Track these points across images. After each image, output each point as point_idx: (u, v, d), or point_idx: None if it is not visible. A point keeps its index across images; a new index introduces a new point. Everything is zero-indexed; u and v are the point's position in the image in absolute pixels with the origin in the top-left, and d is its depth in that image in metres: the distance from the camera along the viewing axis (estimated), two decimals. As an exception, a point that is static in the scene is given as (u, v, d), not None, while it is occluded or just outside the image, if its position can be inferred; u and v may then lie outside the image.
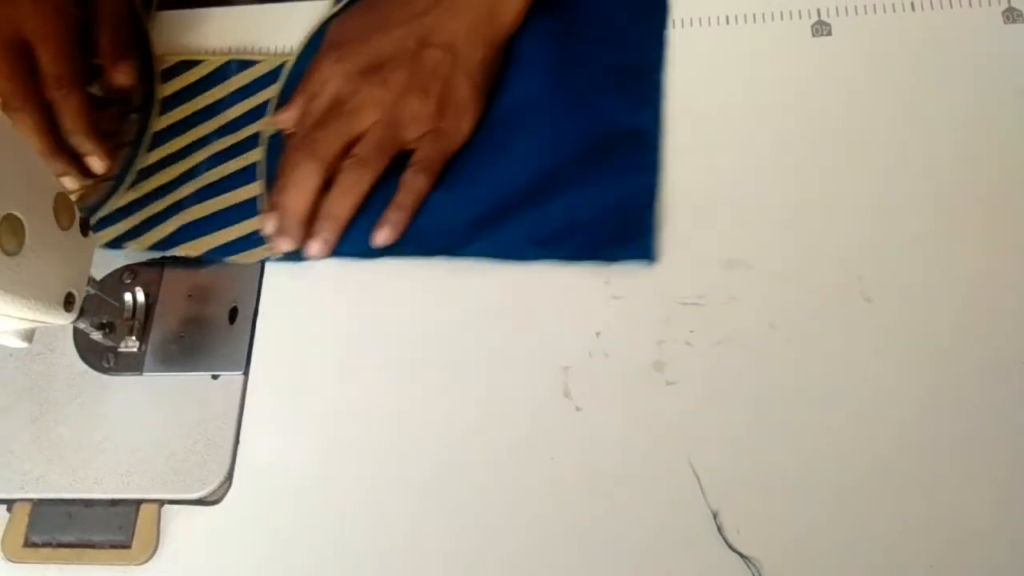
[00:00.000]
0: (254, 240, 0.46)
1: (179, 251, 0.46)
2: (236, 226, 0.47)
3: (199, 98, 0.51)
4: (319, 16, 0.52)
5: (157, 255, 0.47)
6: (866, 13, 0.48)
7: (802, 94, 0.46)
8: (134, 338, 0.45)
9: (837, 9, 0.48)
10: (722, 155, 0.45)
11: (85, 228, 0.39)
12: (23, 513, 0.42)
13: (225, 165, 0.49)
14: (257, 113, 0.50)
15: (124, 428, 0.43)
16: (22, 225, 0.33)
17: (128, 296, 0.45)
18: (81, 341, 0.45)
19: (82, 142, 0.46)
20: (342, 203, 0.44)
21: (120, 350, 0.45)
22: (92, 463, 0.43)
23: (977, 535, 0.36)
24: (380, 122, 0.44)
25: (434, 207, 0.45)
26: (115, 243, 0.47)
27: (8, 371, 0.45)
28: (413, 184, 0.44)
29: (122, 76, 0.48)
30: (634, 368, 0.41)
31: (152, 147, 0.50)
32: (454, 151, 0.45)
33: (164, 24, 0.55)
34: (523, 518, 0.39)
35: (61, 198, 0.36)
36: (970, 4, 0.47)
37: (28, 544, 0.42)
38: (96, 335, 0.43)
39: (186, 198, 0.48)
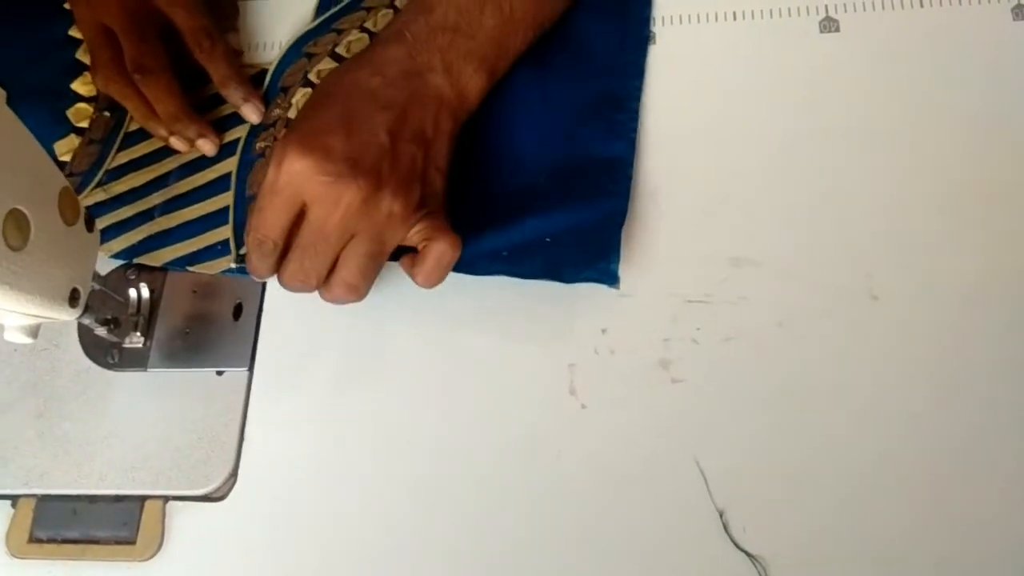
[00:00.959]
0: (217, 251, 0.46)
1: (142, 260, 0.46)
2: (201, 236, 0.46)
3: None
4: (301, 15, 0.52)
5: (119, 263, 0.47)
6: (874, 9, 0.47)
7: (810, 91, 0.46)
8: (139, 334, 0.45)
9: (845, 5, 0.48)
10: (730, 152, 0.45)
11: (90, 224, 0.38)
12: (27, 509, 0.42)
13: (197, 176, 0.48)
14: (234, 120, 0.49)
15: (129, 424, 0.43)
16: (27, 220, 0.33)
17: (132, 292, 0.45)
18: (86, 337, 0.45)
19: (183, 126, 0.48)
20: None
21: (125, 346, 0.45)
22: (97, 459, 0.43)
23: (984, 534, 0.36)
24: (363, 235, 0.40)
25: None
26: None
27: (13, 367, 0.45)
28: (337, 293, 0.40)
29: (250, 112, 0.49)
30: (640, 366, 0.41)
31: (123, 147, 0.50)
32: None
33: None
34: (528, 515, 0.39)
35: (66, 193, 0.36)
36: (979, 1, 0.46)
37: (33, 540, 0.42)
38: (101, 331, 0.42)
39: (155, 207, 0.48)
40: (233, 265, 0.45)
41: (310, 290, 0.41)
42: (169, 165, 0.49)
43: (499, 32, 0.44)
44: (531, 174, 0.45)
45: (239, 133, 0.49)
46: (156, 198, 0.48)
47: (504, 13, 0.44)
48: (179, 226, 0.47)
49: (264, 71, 0.51)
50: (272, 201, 0.39)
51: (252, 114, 0.49)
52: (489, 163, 0.46)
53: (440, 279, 0.41)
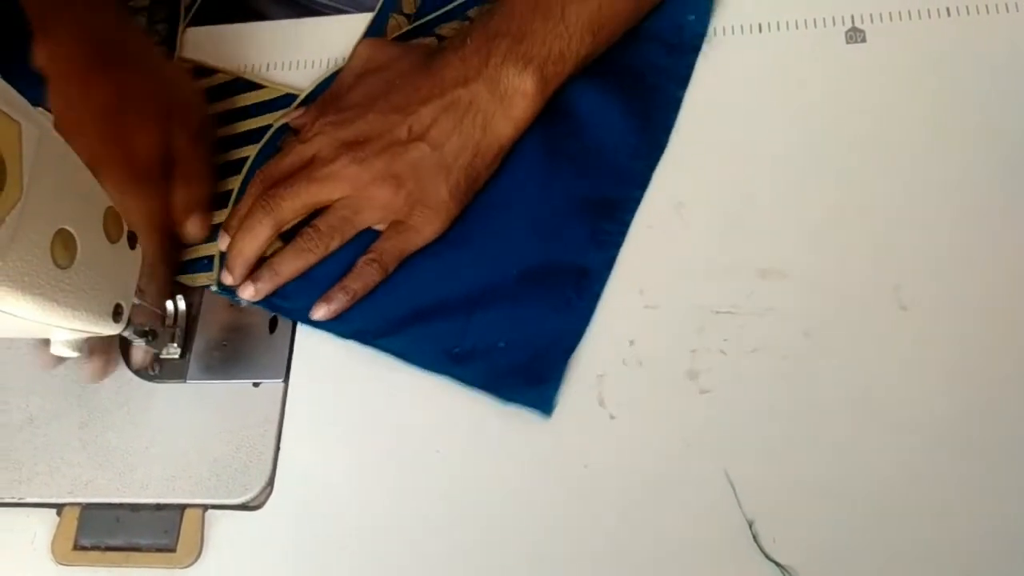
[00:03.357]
0: (203, 265, 0.47)
1: None
2: (191, 248, 0.48)
3: None
4: (347, 31, 0.53)
5: None
6: (900, 20, 0.47)
7: (836, 101, 0.46)
8: (176, 344, 0.46)
9: (871, 16, 0.48)
10: (757, 162, 0.45)
11: (133, 241, 0.40)
12: (72, 517, 0.43)
13: None
14: (247, 138, 0.50)
15: (169, 434, 0.44)
16: (74, 240, 0.34)
17: (169, 304, 0.46)
18: (128, 349, 0.46)
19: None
20: (289, 263, 0.44)
21: (162, 356, 0.46)
22: (138, 468, 0.44)
23: (1014, 546, 0.36)
24: (346, 200, 0.44)
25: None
26: None
27: (58, 379, 0.47)
28: (363, 273, 0.44)
29: (193, 230, 0.47)
30: (668, 377, 0.42)
31: None
32: (412, 251, 0.45)
33: (201, 40, 0.55)
34: (557, 527, 0.40)
35: (110, 212, 0.37)
36: (1007, 9, 0.46)
37: (77, 547, 0.43)
38: (139, 342, 0.44)
39: None
40: (214, 288, 0.46)
41: (270, 232, 0.44)
42: None
43: (549, 35, 0.44)
44: (504, 267, 0.44)
45: (247, 152, 0.50)
46: None
47: (555, 16, 0.44)
48: None
49: (283, 96, 0.51)
50: (308, 187, 0.44)
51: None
52: (461, 248, 0.45)
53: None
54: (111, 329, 0.38)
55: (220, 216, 0.48)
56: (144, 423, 0.45)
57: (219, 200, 0.49)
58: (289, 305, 0.45)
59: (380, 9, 0.52)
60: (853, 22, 0.48)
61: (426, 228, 0.44)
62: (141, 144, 0.46)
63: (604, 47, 0.46)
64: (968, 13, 0.47)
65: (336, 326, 0.44)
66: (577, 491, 0.40)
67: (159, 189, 0.46)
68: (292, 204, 0.44)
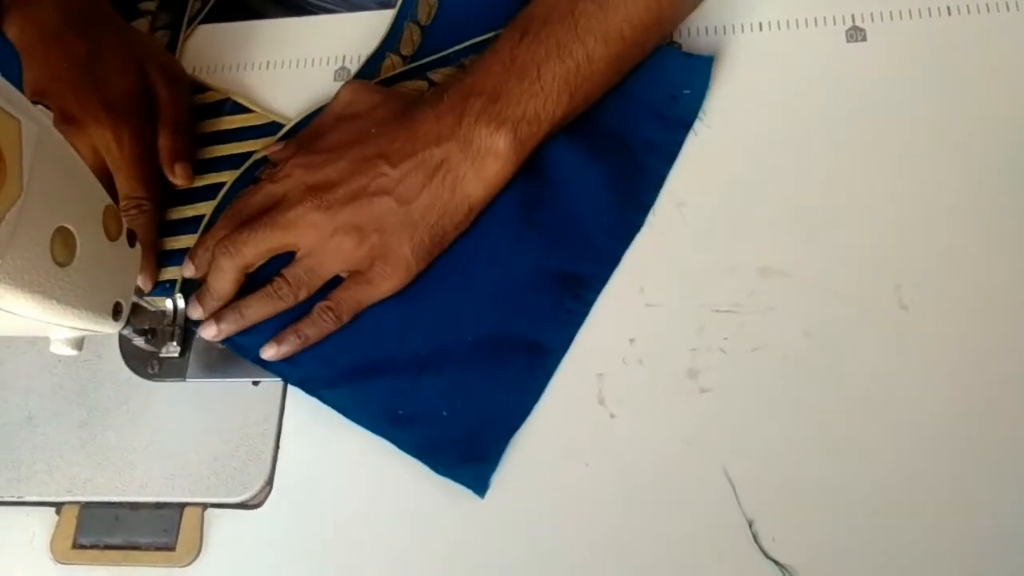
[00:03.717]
0: (165, 288, 0.47)
1: None
2: (161, 270, 0.48)
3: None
4: (347, 30, 0.53)
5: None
6: (901, 18, 0.47)
7: (837, 100, 0.46)
8: (175, 343, 0.46)
9: (872, 15, 0.48)
10: (757, 161, 0.45)
11: (132, 239, 0.40)
12: (71, 516, 0.43)
13: (176, 209, 0.49)
14: (228, 161, 0.50)
15: (168, 433, 0.44)
16: (74, 238, 0.34)
17: (168, 302, 0.46)
18: (126, 348, 0.46)
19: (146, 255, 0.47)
20: (256, 309, 0.44)
21: (162, 355, 0.46)
22: (138, 467, 0.44)
23: (1015, 546, 0.36)
24: (311, 249, 0.44)
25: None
26: None
27: (57, 377, 0.47)
28: (318, 320, 0.43)
29: (179, 179, 0.49)
30: (668, 375, 0.42)
31: None
32: (369, 303, 0.44)
33: (201, 39, 0.55)
34: (557, 525, 0.40)
35: (110, 210, 0.37)
36: (1007, 8, 0.46)
37: (76, 546, 0.43)
38: (139, 340, 0.44)
39: None
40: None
41: (236, 275, 0.44)
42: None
43: (524, 95, 0.43)
44: (459, 330, 0.43)
45: (225, 177, 0.49)
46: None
47: (530, 76, 0.43)
48: (173, 221, 0.48)
49: (269, 124, 0.51)
50: (271, 233, 0.44)
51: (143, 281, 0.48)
52: (416, 304, 0.44)
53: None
54: (111, 327, 0.38)
55: (190, 240, 0.48)
56: (143, 422, 0.45)
57: (190, 224, 0.49)
58: (240, 341, 0.45)
59: (379, 48, 0.52)
60: (854, 21, 0.48)
61: (384, 283, 0.44)
62: (118, 87, 0.47)
63: (583, 107, 0.45)
64: (968, 12, 0.47)
65: (285, 369, 0.44)
66: (577, 490, 0.40)
67: (143, 130, 0.47)
68: (255, 249, 0.44)
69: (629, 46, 0.44)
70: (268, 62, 0.54)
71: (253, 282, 0.45)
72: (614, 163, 0.45)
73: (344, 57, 0.53)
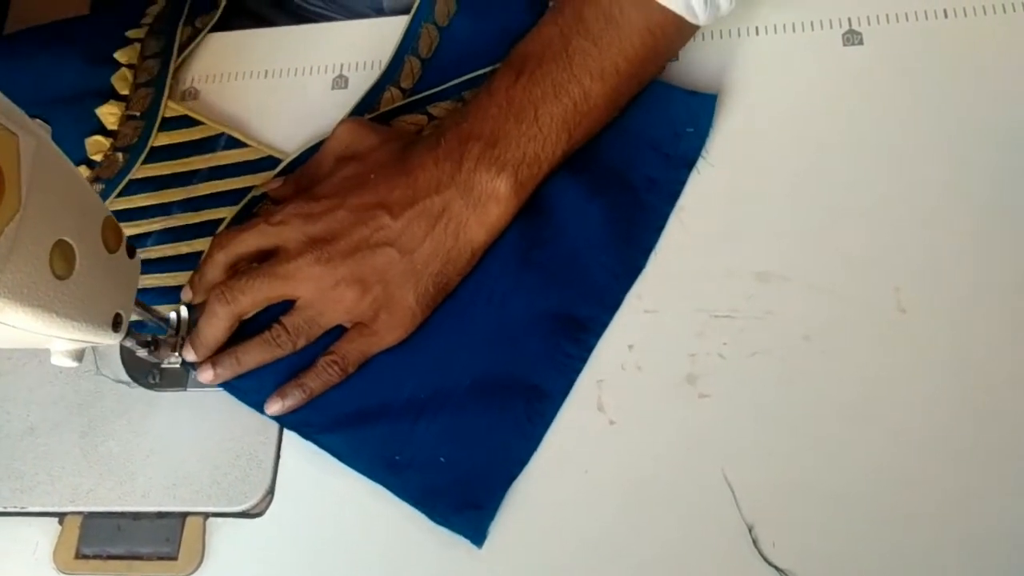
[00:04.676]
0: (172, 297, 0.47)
1: None
2: (178, 273, 0.47)
3: (181, 161, 0.51)
4: (352, 37, 0.53)
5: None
6: (898, 21, 0.47)
7: (834, 103, 0.46)
8: (177, 354, 0.46)
9: (868, 18, 0.48)
10: (755, 166, 0.45)
11: (131, 251, 0.40)
12: (74, 526, 0.44)
13: (172, 245, 0.49)
14: (224, 198, 0.49)
15: (170, 442, 0.45)
16: (73, 251, 0.34)
17: (172, 314, 0.46)
18: (127, 358, 0.47)
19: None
20: (253, 355, 0.44)
21: (164, 366, 0.46)
22: (139, 477, 0.44)
23: (1016, 550, 0.36)
24: (311, 299, 0.43)
25: None
26: None
27: (58, 388, 0.47)
28: (322, 373, 0.43)
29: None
30: (667, 381, 0.42)
31: (122, 194, 0.50)
32: (374, 354, 0.44)
33: (199, 48, 0.55)
34: (556, 531, 0.40)
35: (109, 222, 0.38)
36: (1003, 10, 0.46)
37: (79, 556, 0.43)
38: (141, 352, 0.44)
39: (154, 232, 0.49)
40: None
41: (230, 323, 0.44)
42: (154, 225, 0.49)
43: (523, 137, 0.43)
44: (457, 374, 0.43)
45: (223, 213, 0.49)
46: (157, 223, 0.49)
47: (528, 118, 0.43)
48: (142, 290, 0.45)
49: (265, 158, 0.50)
50: (270, 283, 0.43)
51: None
52: (416, 353, 0.44)
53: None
54: (111, 339, 0.38)
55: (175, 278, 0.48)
56: (145, 432, 0.45)
57: (189, 261, 0.48)
58: (237, 384, 0.44)
59: (378, 81, 0.51)
60: (850, 24, 0.48)
61: (389, 335, 0.43)
62: None
63: (582, 143, 0.45)
64: (965, 15, 0.47)
65: (281, 415, 0.43)
66: (577, 496, 0.40)
67: None
68: (252, 298, 0.43)
69: (625, 80, 0.44)
70: (266, 71, 0.54)
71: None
72: (615, 200, 0.45)
73: (342, 65, 0.53)
